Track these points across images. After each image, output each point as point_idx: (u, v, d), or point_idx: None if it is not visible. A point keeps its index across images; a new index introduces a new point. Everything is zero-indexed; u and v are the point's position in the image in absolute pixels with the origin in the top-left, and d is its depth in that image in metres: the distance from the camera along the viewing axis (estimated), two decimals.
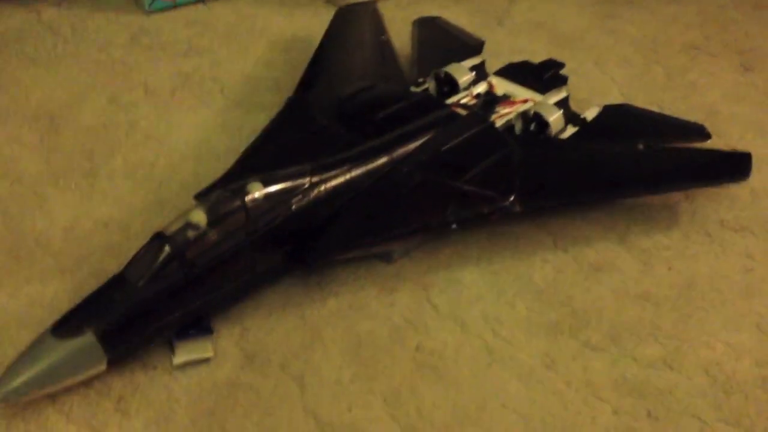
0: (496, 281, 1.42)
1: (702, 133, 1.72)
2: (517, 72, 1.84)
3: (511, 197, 1.44)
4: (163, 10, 2.11)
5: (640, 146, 1.59)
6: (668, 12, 2.38)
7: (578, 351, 1.30)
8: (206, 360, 1.23)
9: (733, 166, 1.57)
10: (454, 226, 1.40)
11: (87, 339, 1.09)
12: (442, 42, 2.00)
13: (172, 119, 1.73)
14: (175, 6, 2.12)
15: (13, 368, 1.07)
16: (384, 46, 1.88)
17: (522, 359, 1.28)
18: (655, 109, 1.89)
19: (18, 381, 1.07)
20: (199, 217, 1.19)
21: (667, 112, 1.89)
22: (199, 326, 1.23)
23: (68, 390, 1.14)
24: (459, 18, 2.21)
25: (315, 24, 2.13)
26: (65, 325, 1.11)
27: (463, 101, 1.71)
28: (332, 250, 1.33)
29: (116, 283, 1.16)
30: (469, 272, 1.43)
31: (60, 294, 1.29)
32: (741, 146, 1.81)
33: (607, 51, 2.15)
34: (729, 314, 1.38)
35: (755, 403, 1.23)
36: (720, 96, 2.00)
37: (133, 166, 1.59)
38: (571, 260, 1.47)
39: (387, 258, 1.42)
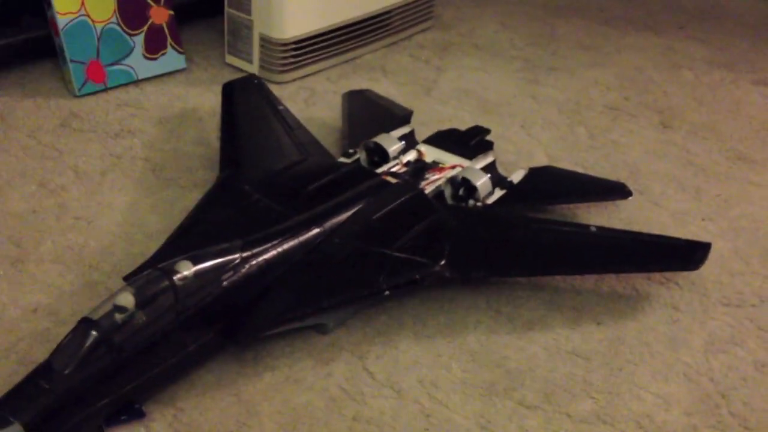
0: (431, 345, 1.43)
1: (623, 191, 1.79)
2: (445, 139, 1.90)
3: (441, 262, 1.47)
4: (93, 93, 2.11)
5: (593, 229, 1.60)
6: (589, 75, 2.48)
7: (513, 411, 1.31)
8: None
9: (687, 255, 1.54)
10: (387, 293, 1.41)
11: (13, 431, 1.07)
12: (372, 113, 2.04)
13: (103, 201, 1.72)
14: (105, 89, 2.13)
15: None
16: (286, 115, 1.91)
17: (458, 422, 1.29)
18: (579, 169, 1.97)
19: None
20: (127, 299, 1.18)
21: (591, 171, 1.97)
22: (130, 411, 1.20)
23: None
24: (388, 89, 2.28)
25: None
26: None
27: (393, 170, 1.75)
28: (265, 326, 1.33)
29: (42, 371, 1.14)
30: (405, 338, 1.44)
31: None
32: (663, 202, 1.88)
33: (533, 115, 2.23)
34: (657, 366, 1.42)
35: None
36: (641, 154, 2.08)
37: (63, 250, 1.57)
38: (504, 320, 1.50)
39: (322, 329, 1.42)
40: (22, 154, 1.87)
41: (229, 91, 1.95)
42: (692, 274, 1.63)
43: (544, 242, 1.56)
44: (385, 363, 1.39)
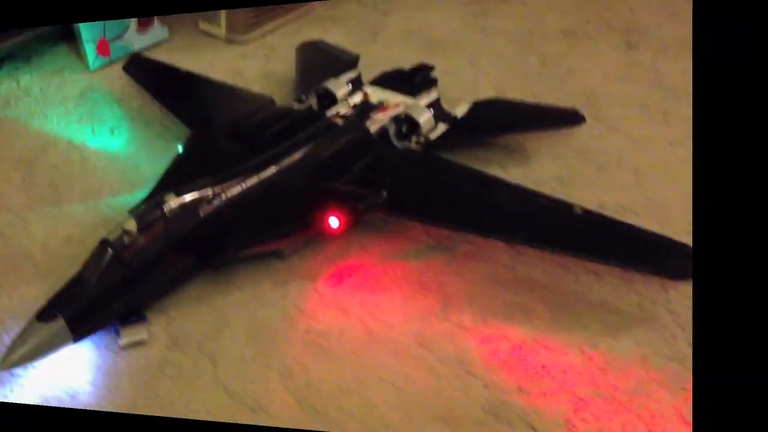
0: (374, 272, 1.54)
1: (576, 117, 1.82)
2: (390, 79, 1.97)
3: (383, 193, 1.57)
4: (102, 67, 2.38)
5: (577, 211, 1.47)
6: (544, 1, 2.36)
7: (450, 331, 1.39)
8: (142, 342, 1.44)
9: (669, 258, 1.39)
10: (335, 222, 1.55)
11: (59, 323, 1.35)
12: (322, 61, 2.13)
13: (112, 153, 1.96)
14: (111, 62, 2.39)
15: (13, 346, 1.33)
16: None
17: (398, 339, 1.39)
18: (529, 99, 1.94)
19: (17, 354, 1.34)
20: (131, 225, 1.40)
21: (542, 100, 1.94)
22: (137, 315, 1.46)
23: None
24: (338, 37, 2.34)
25: (216, 61, 2.35)
26: (44, 314, 1.35)
27: (341, 112, 1.83)
28: (233, 249, 1.51)
29: (76, 280, 1.40)
30: (351, 265, 1.56)
31: (40, 293, 1.48)
32: (623, 127, 1.83)
33: (480, 48, 2.22)
34: (607, 296, 1.42)
35: (634, 380, 1.30)
36: (600, 78, 2.03)
37: (86, 193, 1.80)
38: (442, 251, 1.57)
39: (280, 255, 1.59)
40: (56, 120, 2.12)
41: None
42: (653, 203, 1.59)
43: (484, 200, 1.55)
44: (333, 286, 1.53)
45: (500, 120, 1.86)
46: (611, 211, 1.51)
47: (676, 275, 1.39)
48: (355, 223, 1.59)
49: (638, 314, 1.38)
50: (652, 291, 1.42)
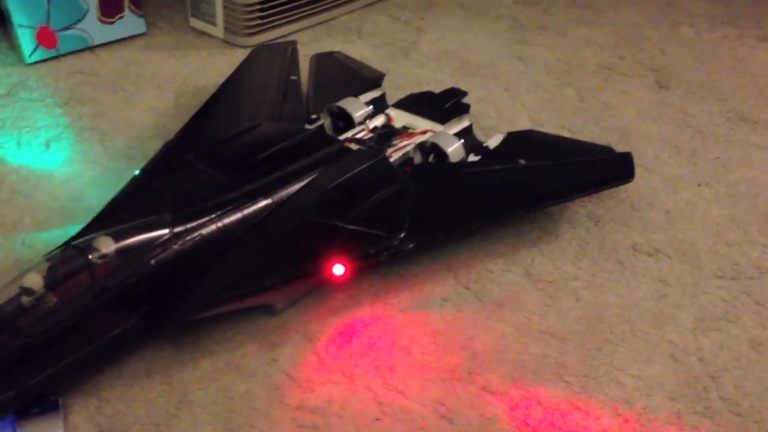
0: (390, 326, 1.30)
1: (610, 154, 1.64)
2: (418, 103, 1.75)
3: (400, 234, 1.33)
4: (44, 60, 1.98)
5: (522, 161, 1.54)
6: (581, 34, 2.32)
7: (476, 396, 1.18)
8: None
9: (618, 168, 1.55)
10: (340, 270, 1.28)
11: None
12: (340, 77, 1.89)
13: (43, 173, 1.60)
14: (58, 56, 2.00)
15: None
16: (290, 87, 1.77)
17: (414, 410, 1.16)
18: (565, 132, 1.83)
19: None
20: (34, 280, 1.06)
21: (578, 134, 1.82)
22: (44, 403, 1.09)
23: None
24: (363, 52, 2.14)
25: (209, 67, 2.03)
26: None
27: (358, 136, 1.61)
28: (195, 309, 1.19)
29: None
30: (361, 318, 1.31)
31: None
32: (654, 166, 1.74)
33: (518, 77, 2.08)
34: (640, 345, 1.28)
35: None
36: (634, 116, 1.93)
37: None
38: (472, 297, 1.36)
39: (270, 310, 1.30)
40: None
41: (254, 53, 1.87)
42: (684, 245, 1.49)
43: (478, 188, 1.48)
44: (338, 346, 1.26)
45: (533, 154, 1.62)
46: (644, 254, 1.47)
47: (625, 179, 1.53)
48: (366, 270, 1.35)
49: (671, 365, 1.25)
50: (686, 341, 1.29)
